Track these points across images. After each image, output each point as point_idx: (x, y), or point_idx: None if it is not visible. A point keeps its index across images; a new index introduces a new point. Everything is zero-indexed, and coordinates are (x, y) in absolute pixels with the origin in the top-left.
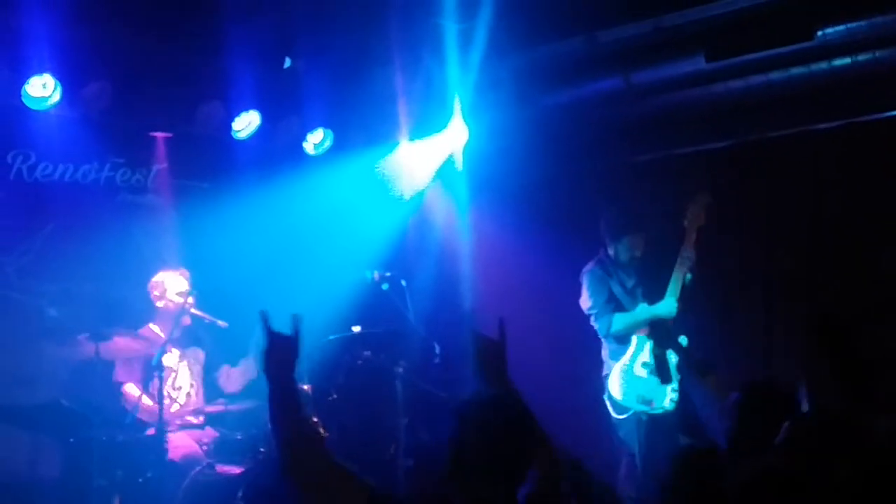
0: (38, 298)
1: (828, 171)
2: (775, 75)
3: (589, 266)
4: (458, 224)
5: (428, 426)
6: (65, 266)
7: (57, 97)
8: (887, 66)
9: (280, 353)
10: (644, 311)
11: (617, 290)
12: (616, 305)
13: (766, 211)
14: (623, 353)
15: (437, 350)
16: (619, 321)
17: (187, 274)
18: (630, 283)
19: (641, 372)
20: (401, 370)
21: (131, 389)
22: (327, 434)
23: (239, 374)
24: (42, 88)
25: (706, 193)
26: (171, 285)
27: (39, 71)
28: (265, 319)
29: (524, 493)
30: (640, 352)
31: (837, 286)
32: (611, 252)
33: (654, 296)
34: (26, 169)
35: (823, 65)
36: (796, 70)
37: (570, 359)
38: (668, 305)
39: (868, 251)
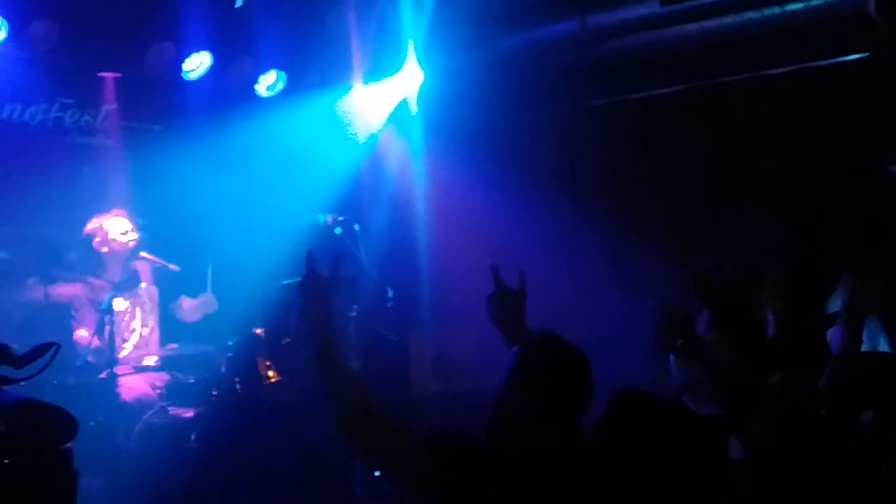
0: None
1: (779, 117)
2: (728, 20)
3: None
4: (412, 168)
5: (382, 368)
6: (13, 208)
7: (3, 35)
8: (839, 11)
9: (317, 292)
10: None
11: None
12: None
13: (710, 155)
14: None
15: (390, 294)
16: None
17: (125, 213)
18: None
19: None
20: (354, 314)
21: (82, 334)
22: (280, 378)
23: (196, 306)
24: None
25: None
26: (111, 228)
27: None
28: (309, 259)
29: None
30: None
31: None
32: None
33: None
34: None
35: (776, 9)
36: (750, 14)
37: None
38: None
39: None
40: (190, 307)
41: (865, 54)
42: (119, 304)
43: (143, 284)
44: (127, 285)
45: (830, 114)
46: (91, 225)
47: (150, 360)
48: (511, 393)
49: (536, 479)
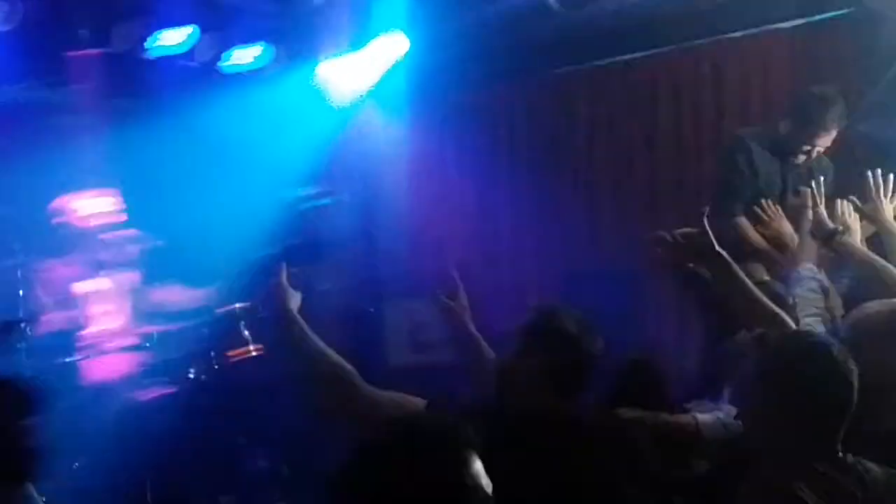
0: None
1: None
2: None
3: None
4: (392, 138)
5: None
6: None
7: None
8: None
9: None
10: None
11: None
12: None
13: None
14: None
15: (367, 266)
16: None
17: (105, 193)
18: None
19: None
20: (327, 286)
21: (57, 314)
22: (260, 350)
23: (177, 294)
24: None
25: None
26: (89, 208)
27: None
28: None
29: None
30: None
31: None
32: None
33: None
34: None
35: None
36: None
37: (507, 270)
38: None
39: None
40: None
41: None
42: (96, 283)
43: (119, 262)
44: (100, 262)
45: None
46: (56, 203)
47: (127, 340)
48: (518, 361)
49: (534, 443)
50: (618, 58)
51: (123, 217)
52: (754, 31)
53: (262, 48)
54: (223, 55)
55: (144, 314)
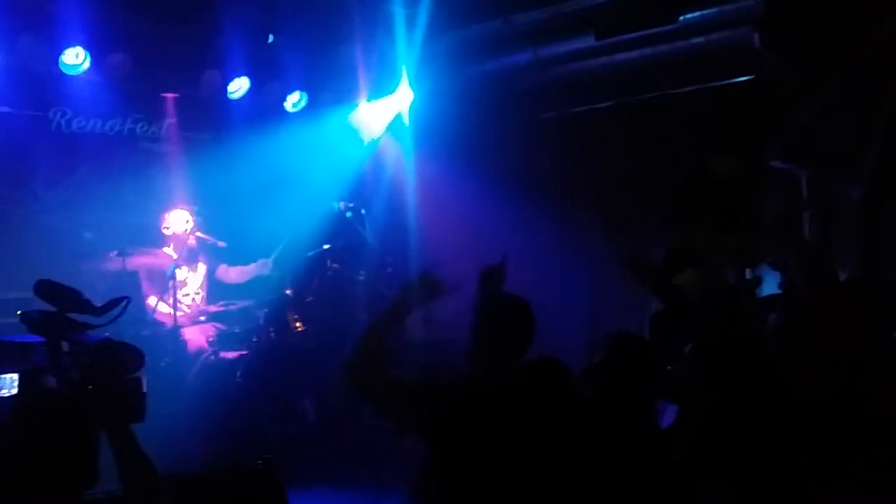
0: (77, 225)
1: (683, 126)
2: (647, 50)
3: None
4: (405, 166)
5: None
6: (96, 199)
7: (87, 65)
8: (733, 43)
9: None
10: None
11: None
12: None
13: (639, 158)
14: None
15: (389, 262)
16: None
17: (189, 209)
18: None
19: None
20: (361, 278)
21: (151, 300)
22: (305, 328)
23: (245, 271)
24: (75, 57)
25: None
26: (177, 219)
27: (73, 43)
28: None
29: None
30: None
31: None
32: None
33: None
34: (64, 122)
35: (683, 42)
36: (663, 46)
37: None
38: None
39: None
40: (231, 273)
41: (750, 76)
42: (180, 273)
43: (201, 269)
44: (185, 258)
45: (724, 123)
46: (166, 215)
47: (204, 316)
48: (474, 335)
49: (487, 399)
50: (592, 106)
51: (202, 222)
52: None
53: (306, 95)
54: (279, 99)
55: (218, 294)
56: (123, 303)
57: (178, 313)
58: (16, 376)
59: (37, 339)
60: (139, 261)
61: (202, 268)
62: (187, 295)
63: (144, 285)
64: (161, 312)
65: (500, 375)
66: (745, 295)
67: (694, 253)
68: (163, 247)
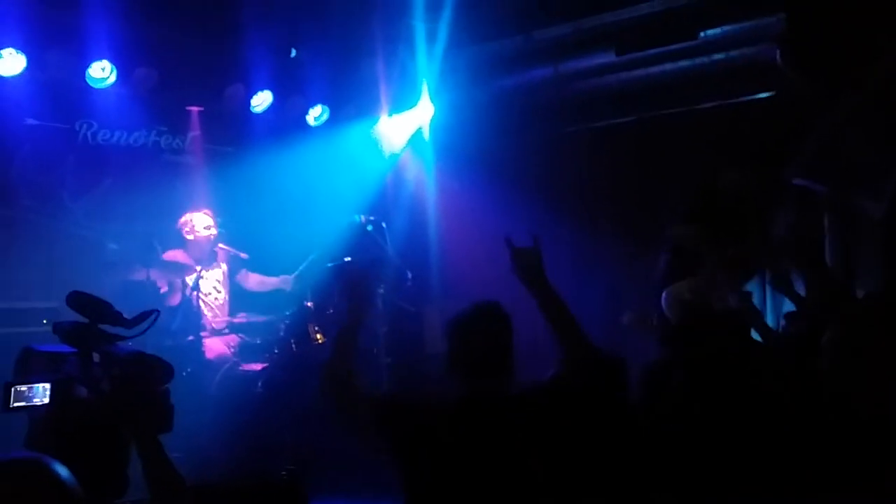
0: (102, 235)
1: (704, 142)
2: (668, 66)
3: None
4: (425, 180)
5: (402, 333)
6: (121, 210)
7: (113, 78)
8: (753, 60)
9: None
10: None
11: None
12: None
13: (659, 173)
14: None
15: (409, 275)
16: None
17: (210, 213)
18: None
19: None
20: (381, 290)
21: (173, 305)
22: (326, 340)
23: (257, 281)
24: (101, 71)
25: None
26: (198, 222)
27: (99, 57)
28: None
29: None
30: None
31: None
32: None
33: None
34: (90, 135)
35: (704, 59)
36: (684, 62)
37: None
38: None
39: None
40: (251, 278)
41: (771, 93)
42: (203, 283)
43: (222, 267)
44: (206, 261)
45: (744, 139)
46: (183, 218)
47: (225, 326)
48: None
49: (475, 420)
50: (612, 121)
51: (225, 233)
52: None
53: (328, 109)
54: (301, 113)
55: (240, 306)
56: (153, 316)
57: (202, 322)
58: (48, 385)
59: (68, 349)
60: (166, 257)
61: (223, 266)
62: (210, 305)
63: (167, 294)
64: (183, 321)
65: (483, 396)
66: (740, 308)
67: (694, 259)
68: (180, 249)
